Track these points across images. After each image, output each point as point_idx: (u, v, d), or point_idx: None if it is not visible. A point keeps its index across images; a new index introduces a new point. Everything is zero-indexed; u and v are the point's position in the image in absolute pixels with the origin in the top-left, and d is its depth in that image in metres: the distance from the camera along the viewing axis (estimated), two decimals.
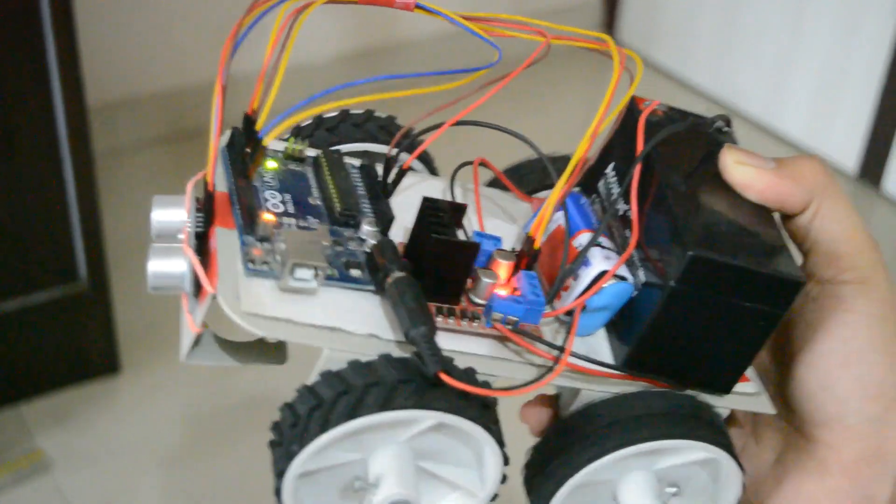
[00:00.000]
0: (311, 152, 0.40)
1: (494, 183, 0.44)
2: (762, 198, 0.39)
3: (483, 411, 0.34)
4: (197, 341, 0.37)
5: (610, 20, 2.32)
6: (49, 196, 1.17)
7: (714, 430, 0.38)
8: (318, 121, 0.41)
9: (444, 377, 0.33)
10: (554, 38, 0.38)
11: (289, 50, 0.35)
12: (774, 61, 2.04)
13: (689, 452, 0.38)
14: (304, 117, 0.36)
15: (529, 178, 0.44)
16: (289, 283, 0.34)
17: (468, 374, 0.34)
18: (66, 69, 1.10)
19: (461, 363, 0.34)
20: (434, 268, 0.36)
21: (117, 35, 1.65)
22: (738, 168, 0.39)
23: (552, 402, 0.40)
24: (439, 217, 0.36)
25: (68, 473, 1.22)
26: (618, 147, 0.41)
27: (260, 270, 0.35)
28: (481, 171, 0.43)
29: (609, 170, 0.40)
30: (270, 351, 0.40)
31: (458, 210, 0.38)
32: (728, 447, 0.38)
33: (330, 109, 0.40)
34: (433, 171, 0.43)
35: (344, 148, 0.41)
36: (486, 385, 0.34)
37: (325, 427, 0.33)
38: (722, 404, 0.39)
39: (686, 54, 2.20)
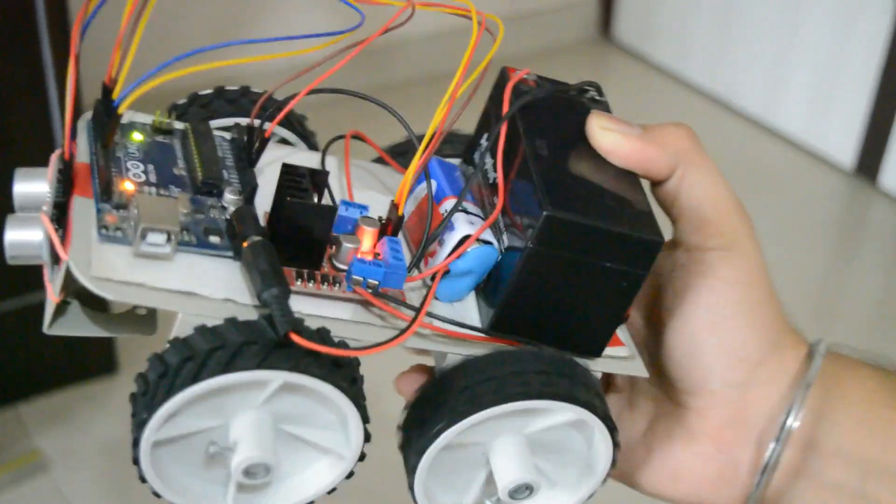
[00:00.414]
0: (180, 125, 0.40)
1: (382, 159, 0.44)
2: (627, 163, 0.39)
3: (334, 370, 0.34)
4: (60, 311, 0.38)
5: (606, 19, 2.33)
6: None
7: (583, 391, 0.37)
8: (193, 98, 0.41)
9: (294, 337, 0.33)
10: (419, 4, 0.38)
11: (144, 20, 0.35)
12: (771, 58, 2.04)
13: (558, 414, 0.37)
14: (160, 83, 0.36)
15: (412, 153, 0.43)
16: (141, 248, 0.34)
17: (320, 334, 0.34)
18: (61, 70, 1.10)
19: (325, 327, 0.34)
20: (292, 232, 0.36)
21: (113, 35, 1.65)
22: (603, 133, 0.39)
23: (428, 371, 0.40)
24: (298, 182, 0.36)
25: (67, 473, 1.22)
26: (490, 117, 0.41)
27: (114, 237, 0.35)
28: (370, 149, 0.43)
29: (483, 140, 0.41)
30: (140, 321, 0.40)
31: (318, 175, 0.38)
32: (596, 408, 0.37)
33: (198, 82, 0.40)
34: (312, 146, 0.43)
35: (219, 123, 0.41)
36: (342, 346, 0.34)
37: (170, 393, 0.33)
38: (594, 367, 0.39)
39: (683, 52, 2.20)
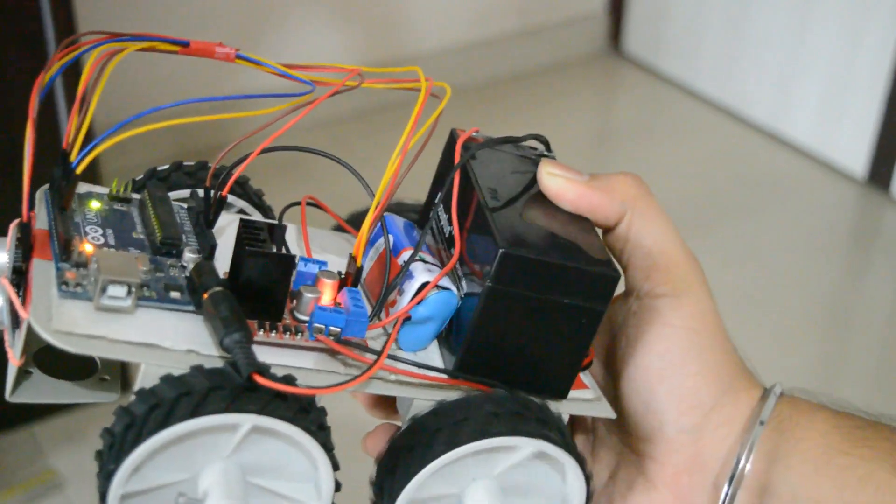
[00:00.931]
0: (137, 195, 0.41)
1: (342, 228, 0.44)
2: (574, 207, 0.39)
3: (301, 414, 0.34)
4: (23, 377, 0.38)
5: (616, 32, 2.33)
6: None
7: (542, 426, 0.37)
8: (151, 172, 0.42)
9: (258, 378, 0.33)
10: (367, 81, 0.39)
11: (100, 89, 0.36)
12: (780, 68, 2.04)
13: (521, 451, 0.37)
14: (114, 143, 0.36)
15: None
16: (101, 302, 0.35)
17: (285, 378, 0.34)
18: (68, 80, 1.12)
19: (291, 374, 0.34)
20: (253, 284, 0.36)
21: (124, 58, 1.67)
22: (550, 178, 0.40)
23: (394, 431, 0.40)
24: (256, 234, 0.37)
25: (81, 493, 1.23)
26: (442, 178, 0.42)
27: (74, 293, 0.35)
28: (329, 218, 0.43)
29: (438, 200, 0.41)
30: (104, 386, 0.40)
31: (275, 230, 0.38)
32: (561, 442, 0.38)
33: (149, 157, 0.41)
34: (269, 218, 0.44)
35: (177, 195, 0.42)
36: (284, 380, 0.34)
37: (137, 441, 0.33)
38: (560, 409, 0.39)
39: (692, 63, 2.20)
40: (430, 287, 0.38)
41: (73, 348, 0.33)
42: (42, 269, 0.36)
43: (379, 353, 0.36)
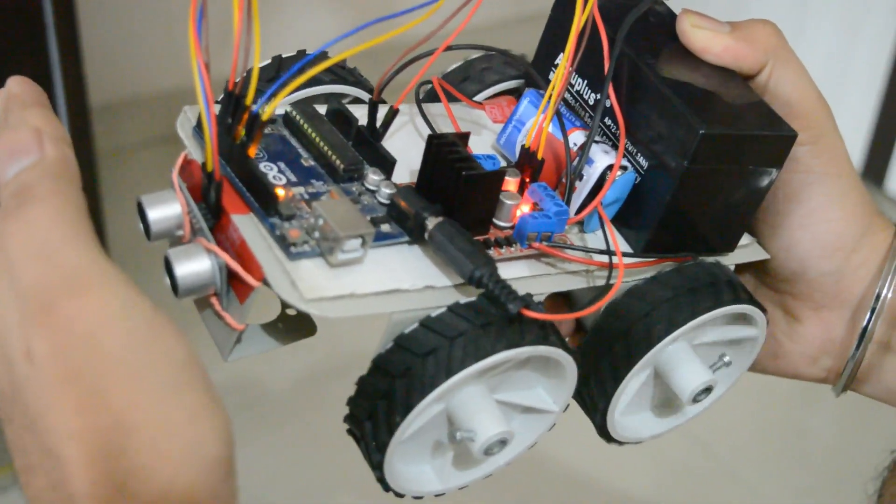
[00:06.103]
0: (279, 110, 0.37)
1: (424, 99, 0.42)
2: (720, 59, 0.39)
3: (555, 333, 0.34)
4: (238, 338, 0.35)
5: None
6: None
7: (744, 289, 0.39)
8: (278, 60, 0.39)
9: (528, 312, 0.32)
10: None
11: (255, 13, 0.31)
12: None
13: (723, 315, 0.39)
14: (299, 84, 0.33)
15: (464, 86, 0.42)
16: (339, 258, 0.32)
17: (538, 304, 0.33)
18: (68, 69, 1.10)
19: (530, 294, 0.34)
20: (465, 203, 0.34)
21: (120, 35, 1.65)
22: (695, 31, 0.39)
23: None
24: (457, 152, 0.35)
25: None
26: (555, 32, 0.40)
27: (303, 252, 0.32)
28: (402, 90, 0.41)
29: (562, 61, 0.40)
30: (296, 323, 0.38)
31: (465, 140, 0.37)
32: (748, 299, 0.39)
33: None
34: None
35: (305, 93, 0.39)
36: (540, 307, 0.34)
37: (422, 391, 0.32)
38: (727, 261, 0.40)
39: None
40: (615, 171, 0.37)
41: (330, 313, 0.32)
42: (247, 227, 0.33)
43: (609, 252, 0.36)
